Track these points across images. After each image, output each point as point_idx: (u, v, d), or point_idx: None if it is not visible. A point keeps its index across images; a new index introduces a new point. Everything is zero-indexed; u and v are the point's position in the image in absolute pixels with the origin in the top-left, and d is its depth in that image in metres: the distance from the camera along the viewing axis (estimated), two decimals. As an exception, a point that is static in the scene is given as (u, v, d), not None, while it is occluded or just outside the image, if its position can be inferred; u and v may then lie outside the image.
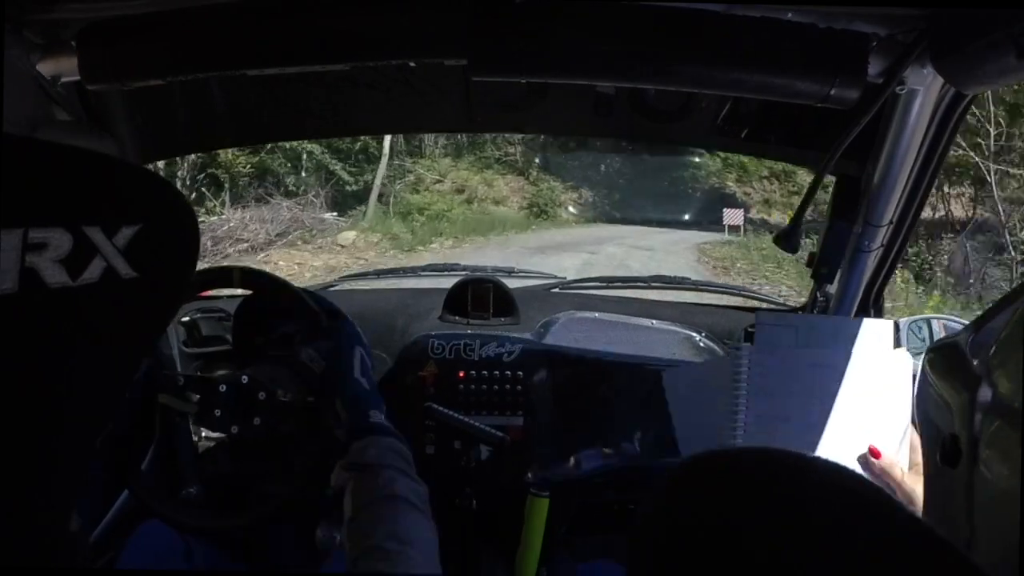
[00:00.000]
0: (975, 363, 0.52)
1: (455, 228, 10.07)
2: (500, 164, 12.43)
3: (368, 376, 0.89)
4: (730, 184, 12.36)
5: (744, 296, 1.60)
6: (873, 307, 1.17)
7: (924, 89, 0.86)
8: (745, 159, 10.23)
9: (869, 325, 1.02)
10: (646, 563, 0.38)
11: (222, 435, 1.08)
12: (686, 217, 11.47)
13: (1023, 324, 0.46)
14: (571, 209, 12.18)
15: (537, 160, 12.44)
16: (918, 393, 0.71)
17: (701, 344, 1.31)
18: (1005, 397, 0.47)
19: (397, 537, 0.66)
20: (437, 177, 11.90)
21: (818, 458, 0.39)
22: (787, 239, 1.03)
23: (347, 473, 0.74)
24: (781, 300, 1.56)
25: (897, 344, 1.03)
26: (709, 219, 10.98)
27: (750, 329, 1.33)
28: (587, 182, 12.54)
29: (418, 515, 0.70)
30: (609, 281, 1.62)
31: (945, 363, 0.61)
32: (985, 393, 0.50)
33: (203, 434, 1.19)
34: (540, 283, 1.57)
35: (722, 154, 9.96)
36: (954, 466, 0.54)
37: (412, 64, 0.92)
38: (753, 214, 11.36)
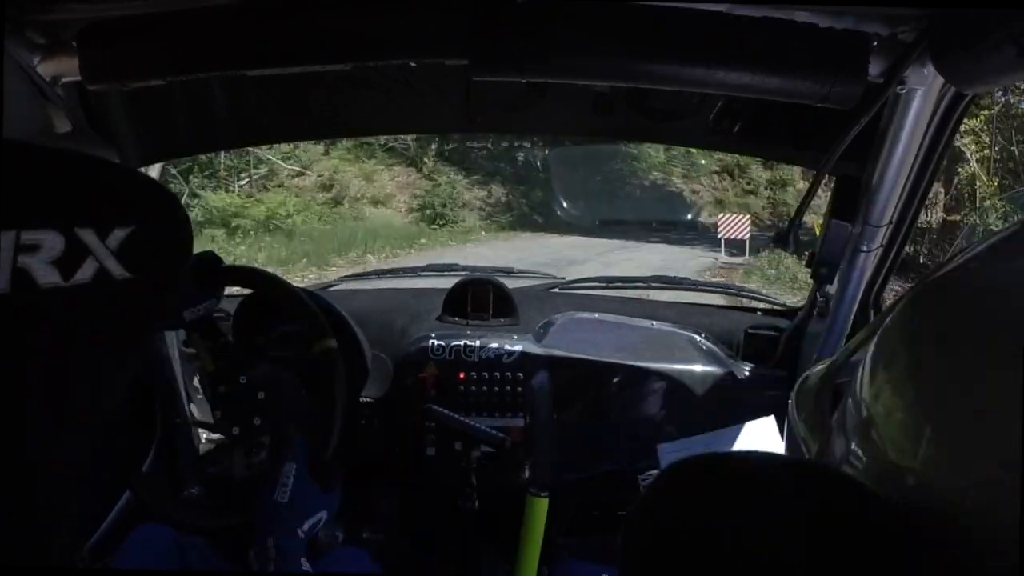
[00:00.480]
0: (834, 412, 0.52)
1: (281, 248, 6.48)
2: (386, 152, 9.13)
3: (315, 534, 0.86)
4: (676, 180, 9.79)
5: (744, 296, 1.60)
6: (873, 307, 1.17)
7: (924, 89, 0.86)
8: (694, 151, 8.24)
9: (752, 428, 1.06)
10: (635, 566, 0.39)
11: (223, 436, 1.08)
12: (634, 222, 8.33)
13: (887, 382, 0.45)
14: (475, 215, 8.74)
15: (434, 147, 9.13)
16: (786, 437, 0.71)
17: (702, 346, 1.31)
18: (853, 454, 0.46)
19: None
20: (297, 169, 8.61)
21: (791, 457, 0.40)
22: (786, 238, 1.03)
23: None
24: (781, 301, 1.55)
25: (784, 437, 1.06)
26: (676, 226, 8.49)
27: (750, 331, 1.34)
28: (498, 176, 9.29)
29: None
30: (609, 281, 1.62)
31: (806, 404, 0.61)
32: (839, 447, 0.49)
33: (204, 435, 1.19)
34: (540, 283, 1.57)
35: (663, 145, 7.58)
36: None
37: (412, 64, 0.92)
38: (704, 217, 8.97)
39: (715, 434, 1.16)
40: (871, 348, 0.45)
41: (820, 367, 0.70)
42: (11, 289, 0.38)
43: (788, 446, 0.72)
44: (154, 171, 1.20)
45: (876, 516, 0.36)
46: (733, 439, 1.10)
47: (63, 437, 0.41)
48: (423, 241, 7.93)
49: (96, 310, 0.41)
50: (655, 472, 1.12)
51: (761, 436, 1.08)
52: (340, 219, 8.12)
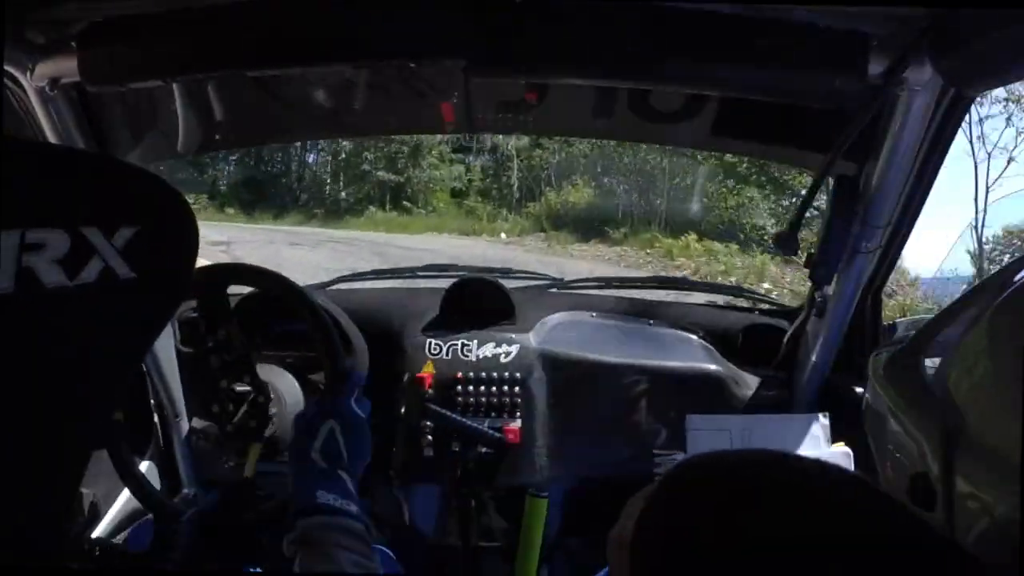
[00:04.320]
0: (937, 389, 0.51)
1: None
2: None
3: (333, 452, 0.81)
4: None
5: (742, 296, 1.60)
6: (872, 308, 1.17)
7: (924, 89, 0.86)
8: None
9: (804, 421, 1.06)
10: (639, 564, 0.38)
11: (220, 435, 1.08)
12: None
13: (988, 354, 0.45)
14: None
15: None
16: (868, 406, 0.69)
17: (701, 346, 1.31)
18: (976, 434, 0.46)
19: None
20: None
21: (804, 457, 0.39)
22: (786, 241, 1.03)
23: (294, 547, 0.74)
24: (780, 301, 1.55)
25: (829, 439, 1.07)
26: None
27: (749, 330, 1.34)
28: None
29: None
30: (607, 281, 1.62)
31: (900, 381, 0.59)
32: (954, 428, 0.48)
33: (201, 434, 1.18)
34: (538, 283, 1.57)
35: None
36: (931, 509, 0.52)
37: (412, 65, 0.92)
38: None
39: (752, 417, 1.15)
40: (977, 332, 0.44)
41: (895, 343, 0.69)
42: (16, 289, 0.38)
43: (870, 420, 0.70)
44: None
45: (890, 524, 0.35)
46: (784, 428, 1.09)
47: (64, 436, 0.41)
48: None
49: (101, 310, 0.41)
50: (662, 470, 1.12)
51: (803, 433, 1.07)
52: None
